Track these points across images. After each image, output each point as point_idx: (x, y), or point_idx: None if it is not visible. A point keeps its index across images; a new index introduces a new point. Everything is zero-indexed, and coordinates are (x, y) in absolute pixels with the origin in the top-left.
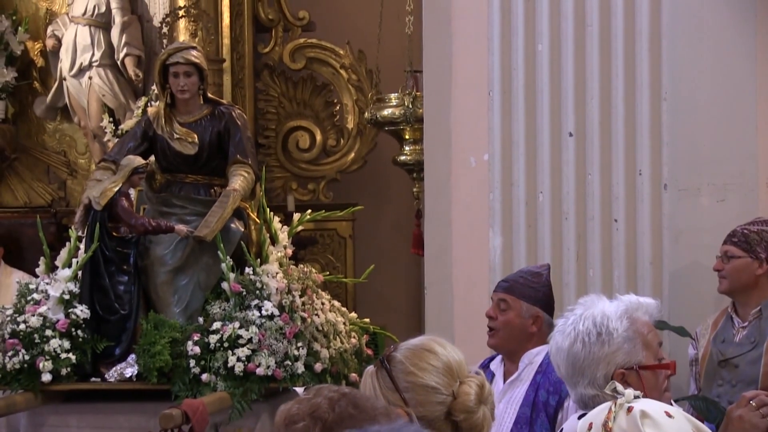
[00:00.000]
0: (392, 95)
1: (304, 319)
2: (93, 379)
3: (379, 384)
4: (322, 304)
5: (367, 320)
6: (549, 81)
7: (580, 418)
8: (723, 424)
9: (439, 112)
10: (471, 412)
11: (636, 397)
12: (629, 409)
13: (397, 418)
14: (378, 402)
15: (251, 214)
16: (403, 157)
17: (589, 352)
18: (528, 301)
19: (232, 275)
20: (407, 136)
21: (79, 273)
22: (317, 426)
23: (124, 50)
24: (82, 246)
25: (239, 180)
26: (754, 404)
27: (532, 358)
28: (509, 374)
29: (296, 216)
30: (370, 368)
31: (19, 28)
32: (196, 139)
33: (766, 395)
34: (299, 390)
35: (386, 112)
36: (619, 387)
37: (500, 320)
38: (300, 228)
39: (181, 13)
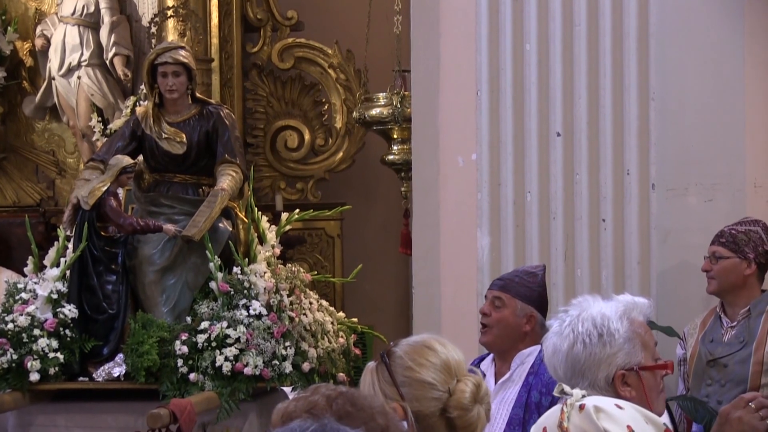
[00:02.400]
0: (380, 95)
1: (292, 319)
2: (81, 378)
3: (377, 378)
4: (310, 303)
5: (355, 320)
6: (537, 81)
7: None
8: (716, 424)
9: (427, 111)
10: (465, 410)
11: (583, 395)
12: (581, 407)
13: (394, 417)
14: (375, 401)
15: (239, 214)
16: (391, 157)
17: (590, 354)
18: (523, 300)
19: (220, 275)
20: (395, 136)
21: (68, 272)
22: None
23: (113, 50)
24: (70, 245)
25: (227, 179)
26: (753, 406)
27: (524, 358)
28: (500, 375)
29: (284, 215)
30: (371, 364)
31: (9, 27)
32: (185, 139)
33: (764, 397)
34: (287, 390)
35: (374, 111)
36: (566, 388)
37: (494, 317)
38: (288, 227)
39: (169, 12)
